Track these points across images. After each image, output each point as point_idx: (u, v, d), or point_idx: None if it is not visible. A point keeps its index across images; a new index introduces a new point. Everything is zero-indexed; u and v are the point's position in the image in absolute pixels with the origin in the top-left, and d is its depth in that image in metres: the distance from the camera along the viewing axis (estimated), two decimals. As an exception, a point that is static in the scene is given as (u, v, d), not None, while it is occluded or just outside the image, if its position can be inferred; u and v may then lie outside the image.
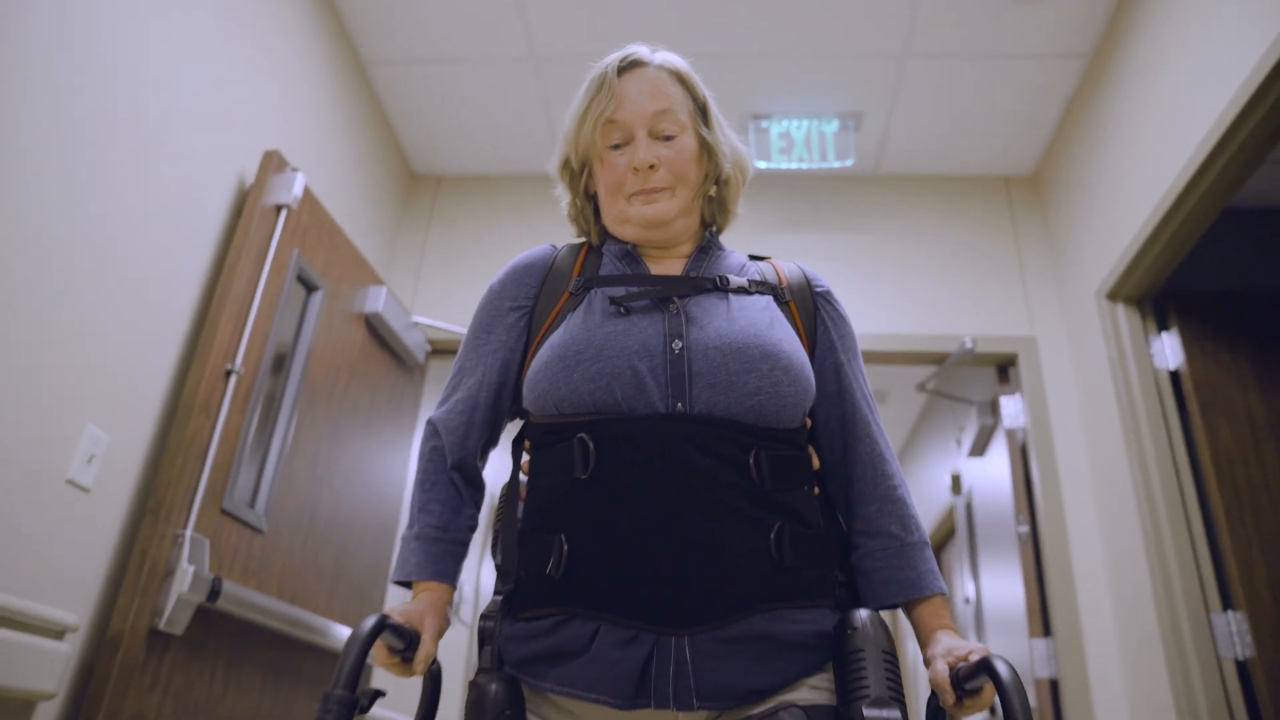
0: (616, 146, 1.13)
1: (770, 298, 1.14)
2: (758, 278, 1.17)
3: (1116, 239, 2.61)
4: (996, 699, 0.87)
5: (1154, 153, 2.39)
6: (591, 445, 0.99)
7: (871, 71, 2.90)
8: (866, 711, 0.88)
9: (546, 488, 1.04)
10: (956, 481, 3.67)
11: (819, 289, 1.17)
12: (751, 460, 1.00)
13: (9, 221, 1.58)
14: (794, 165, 3.05)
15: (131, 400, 1.92)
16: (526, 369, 1.10)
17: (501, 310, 1.14)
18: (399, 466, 2.89)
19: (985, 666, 0.87)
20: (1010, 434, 2.98)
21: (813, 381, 1.08)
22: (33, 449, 1.65)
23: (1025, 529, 2.83)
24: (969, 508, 3.57)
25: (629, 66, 1.15)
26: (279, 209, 2.26)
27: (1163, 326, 2.61)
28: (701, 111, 1.17)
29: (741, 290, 1.12)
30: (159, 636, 1.81)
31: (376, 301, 2.70)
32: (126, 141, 1.87)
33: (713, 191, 1.18)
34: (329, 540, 2.43)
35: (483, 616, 1.03)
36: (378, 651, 0.96)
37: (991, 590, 3.30)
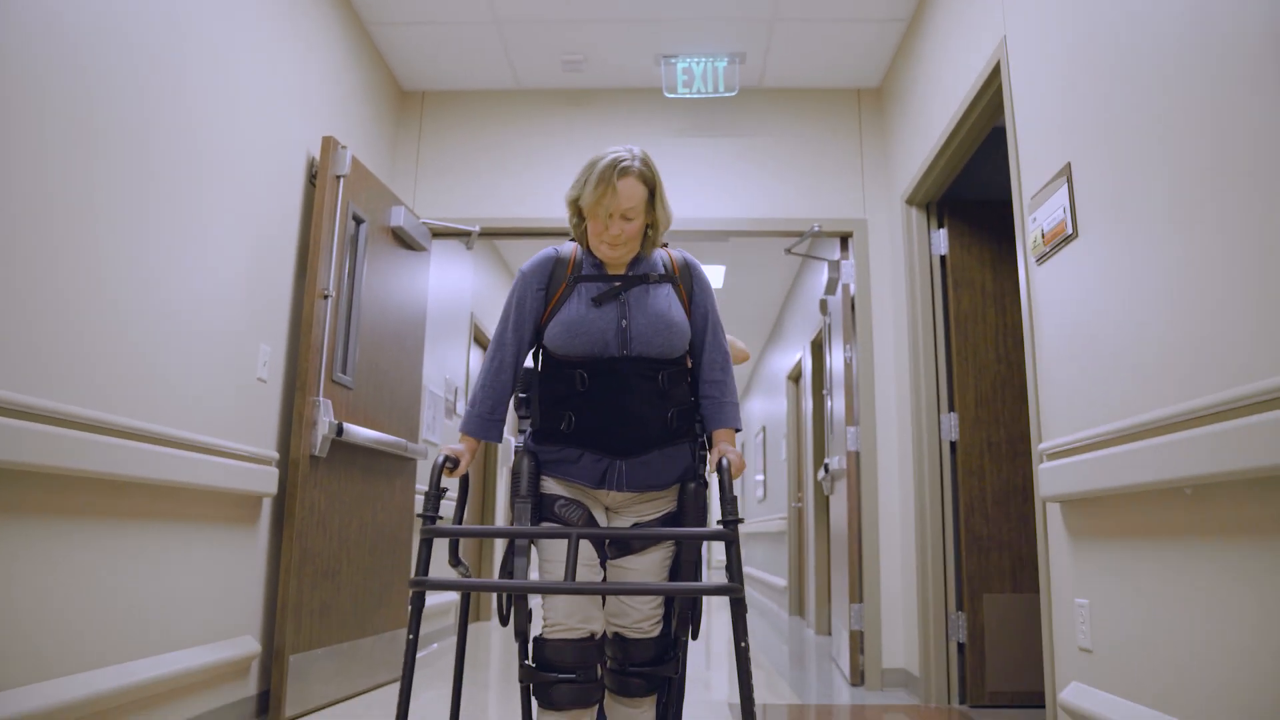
0: (608, 215, 1.97)
1: (670, 285, 2.02)
2: (663, 270, 2.03)
3: (918, 151, 3.77)
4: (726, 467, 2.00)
5: (952, 78, 3.30)
6: (585, 374, 1.94)
7: (752, 22, 3.90)
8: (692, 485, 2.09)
9: (561, 392, 1.96)
10: (823, 305, 5.03)
11: (692, 268, 2.11)
12: (659, 377, 1.96)
13: (192, 204, 2.73)
14: (694, 95, 4.12)
15: (277, 324, 3.14)
16: (545, 320, 1.99)
17: (530, 288, 2.00)
18: (416, 318, 4.13)
19: (720, 459, 2.08)
20: (845, 286, 4.30)
21: (689, 333, 2.05)
22: (239, 362, 2.89)
23: (851, 353, 4.22)
24: (829, 325, 4.95)
25: (622, 174, 1.89)
26: (339, 178, 3.36)
27: (940, 225, 3.85)
28: (652, 193, 1.96)
29: (658, 280, 2.00)
30: (314, 459, 3.15)
31: (399, 217, 3.83)
32: (242, 139, 2.97)
33: (650, 234, 2.08)
34: (384, 384, 3.73)
35: (518, 448, 2.20)
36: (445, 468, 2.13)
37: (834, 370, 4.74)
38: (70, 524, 2.08)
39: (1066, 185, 2.28)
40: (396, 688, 3.64)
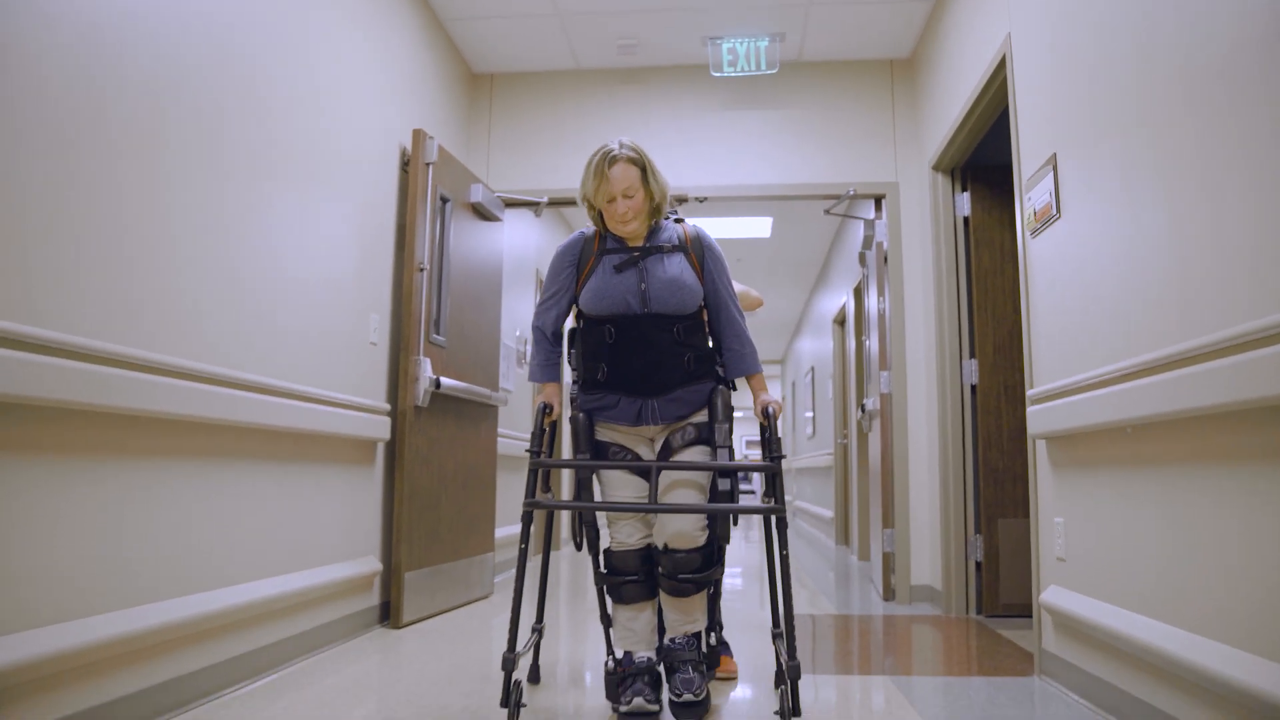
0: (610, 199, 2.42)
1: (681, 253, 2.40)
2: (677, 241, 2.40)
3: (943, 121, 4.15)
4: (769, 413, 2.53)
5: (969, 60, 3.69)
6: (613, 330, 2.37)
7: (790, 6, 4.28)
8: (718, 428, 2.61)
9: (593, 345, 2.41)
10: (862, 258, 5.43)
11: (703, 239, 2.44)
12: (674, 330, 2.34)
13: (312, 198, 3.27)
14: (738, 73, 4.52)
15: (382, 295, 3.70)
16: (579, 290, 2.51)
17: (565, 263, 2.41)
18: (493, 280, 4.65)
19: (764, 404, 2.57)
20: (878, 244, 4.72)
21: (700, 293, 2.37)
22: (355, 331, 3.45)
23: (885, 304, 4.65)
24: (866, 277, 5.36)
25: (611, 163, 2.29)
26: (428, 165, 3.86)
27: (963, 189, 4.24)
28: (644, 171, 2.33)
29: (671, 250, 2.41)
30: (417, 409, 3.72)
31: (477, 194, 4.33)
32: (347, 134, 3.48)
33: (653, 207, 2.53)
34: (470, 341, 4.28)
35: (572, 397, 2.70)
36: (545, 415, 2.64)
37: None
38: (237, 466, 2.66)
39: (1052, 173, 2.69)
40: (485, 603, 4.26)
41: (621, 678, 2.32)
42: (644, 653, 2.36)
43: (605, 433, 2.45)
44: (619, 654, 2.41)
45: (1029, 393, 2.85)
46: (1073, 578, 2.59)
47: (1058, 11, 2.70)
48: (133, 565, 2.15)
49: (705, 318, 2.49)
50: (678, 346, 2.38)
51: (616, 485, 2.41)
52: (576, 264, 2.43)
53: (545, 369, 2.52)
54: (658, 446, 2.44)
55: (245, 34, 2.67)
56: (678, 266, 2.39)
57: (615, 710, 2.31)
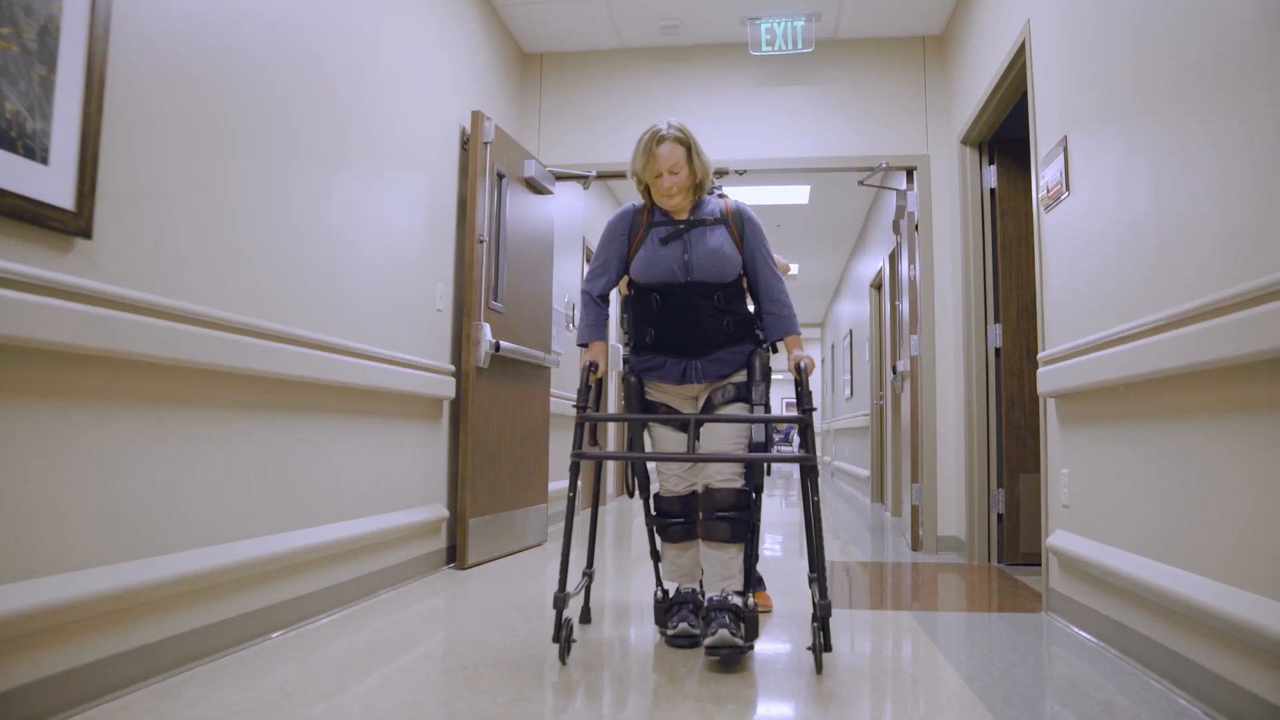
0: (657, 175, 2.74)
1: (723, 226, 2.64)
2: (718, 214, 2.62)
3: (970, 97, 4.35)
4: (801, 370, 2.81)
5: (994, 41, 3.94)
6: (659, 297, 2.78)
7: (825, -10, 4.49)
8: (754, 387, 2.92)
9: (642, 311, 2.79)
10: (895, 226, 5.65)
11: (743, 212, 2.68)
12: (715, 297, 2.70)
13: (384, 178, 3.60)
14: (775, 52, 4.75)
15: (446, 265, 4.03)
16: (630, 260, 2.86)
17: (617, 234, 2.81)
18: (545, 249, 4.96)
19: (797, 361, 2.85)
20: (909, 214, 4.94)
21: (739, 262, 2.71)
22: (424, 299, 3.79)
23: (915, 271, 4.89)
24: (898, 243, 5.58)
25: (659, 142, 2.53)
26: (486, 144, 4.16)
27: (990, 162, 4.44)
28: (689, 150, 2.58)
29: (714, 223, 2.78)
30: (479, 370, 4.06)
31: (530, 169, 4.63)
32: (414, 116, 3.80)
33: (696, 184, 2.84)
34: (524, 307, 4.60)
35: (624, 359, 3.03)
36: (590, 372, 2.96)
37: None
38: (328, 420, 3.02)
39: (1063, 153, 2.92)
40: (539, 550, 4.63)
41: (669, 605, 2.64)
42: (688, 584, 2.69)
43: (654, 393, 2.73)
44: (667, 585, 2.73)
45: (1040, 355, 3.11)
46: (1076, 523, 2.86)
47: (1069, 3, 2.91)
48: (238, 504, 2.52)
49: (745, 285, 2.74)
50: (718, 312, 2.62)
51: (663, 440, 2.71)
52: (628, 235, 2.69)
53: (593, 328, 2.74)
54: (700, 403, 2.70)
55: (324, 30, 2.99)
56: (719, 238, 2.62)
57: (663, 634, 2.64)
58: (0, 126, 1.67)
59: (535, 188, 4.76)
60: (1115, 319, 2.50)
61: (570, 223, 6.44)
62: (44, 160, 1.77)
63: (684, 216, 2.65)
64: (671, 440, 2.69)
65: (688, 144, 2.57)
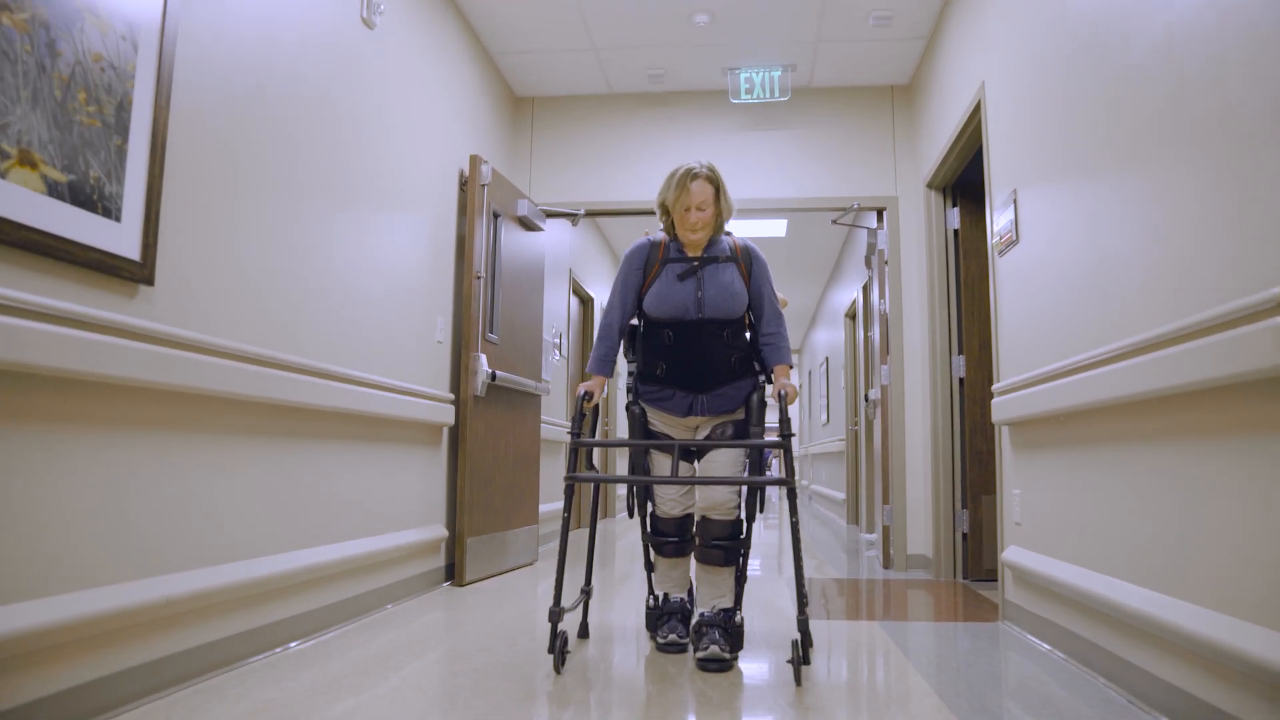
0: (686, 209, 2.96)
1: (734, 264, 2.96)
2: (729, 252, 2.84)
3: (935, 144, 4.68)
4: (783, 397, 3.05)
5: (954, 96, 4.30)
6: (670, 333, 3.05)
7: (800, 43, 4.81)
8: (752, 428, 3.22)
9: (654, 344, 3.04)
10: (867, 261, 5.97)
11: (751, 251, 3.11)
12: (724, 333, 3.02)
13: (389, 218, 3.86)
14: (754, 100, 5.07)
15: (446, 300, 4.29)
16: (643, 294, 3.11)
17: (633, 269, 3.03)
18: (536, 283, 5.24)
19: (780, 391, 3.11)
20: (880, 251, 5.26)
21: (746, 299, 2.98)
22: (425, 331, 4.04)
23: (885, 305, 5.20)
24: (870, 277, 5.90)
25: (693, 178, 2.73)
26: (483, 186, 4.44)
27: (954, 204, 4.77)
28: (717, 190, 2.85)
29: (725, 260, 3.04)
30: (476, 398, 4.31)
31: (523, 208, 4.91)
32: (417, 161, 4.07)
33: (719, 220, 3.16)
34: (517, 338, 4.87)
35: (629, 388, 3.28)
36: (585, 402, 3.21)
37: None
38: (337, 445, 3.26)
39: (1013, 205, 3.24)
40: (530, 569, 4.86)
41: (659, 614, 2.89)
42: (677, 594, 2.94)
43: (656, 423, 2.90)
44: (659, 594, 2.98)
45: (994, 386, 3.41)
46: (1027, 539, 3.15)
47: (1016, 70, 3.24)
48: (256, 524, 2.76)
49: (748, 320, 2.90)
50: (726, 349, 2.81)
51: (661, 466, 2.88)
52: (643, 269, 2.86)
53: (603, 363, 2.88)
54: (701, 434, 2.90)
55: (340, 81, 3.26)
56: (729, 275, 2.81)
57: (653, 639, 2.89)
58: (86, 191, 1.93)
59: (527, 225, 5.04)
60: (1057, 355, 2.80)
61: (558, 255, 6.71)
62: (117, 218, 2.02)
63: (698, 254, 2.84)
64: (669, 466, 2.82)
65: (717, 184, 2.79)
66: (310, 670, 2.52)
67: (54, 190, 1.84)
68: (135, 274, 2.07)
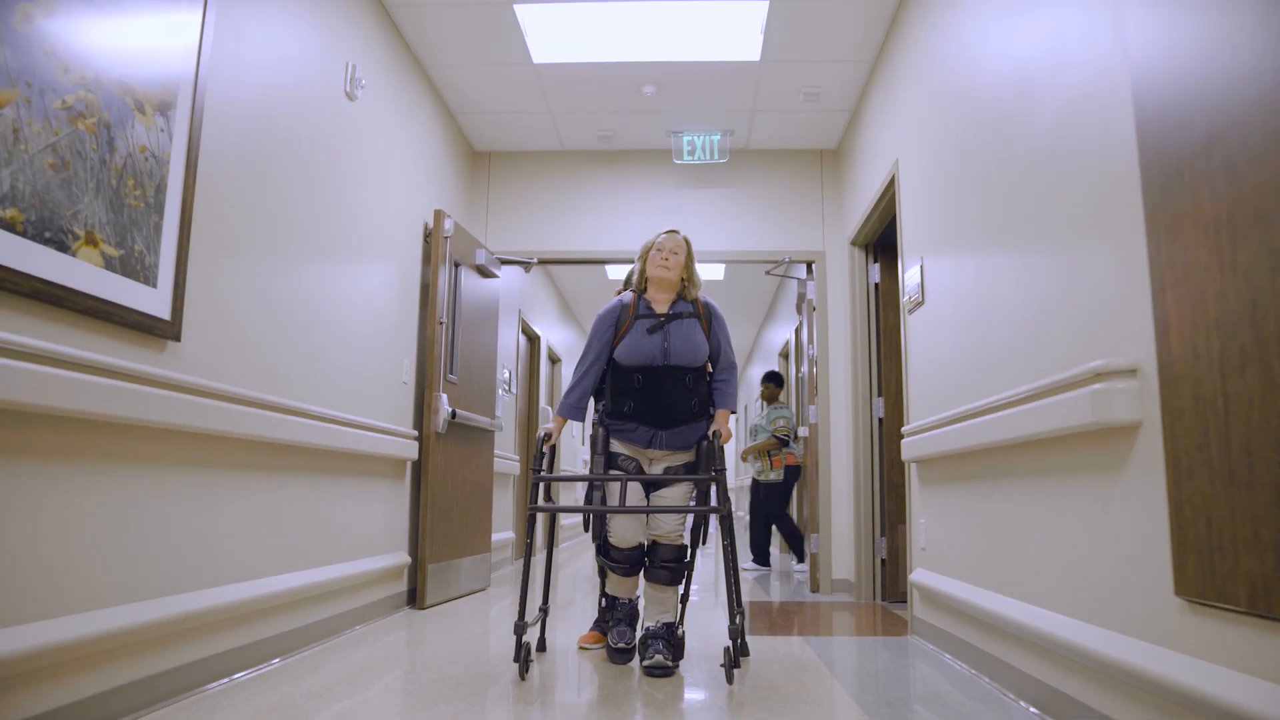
0: (660, 249, 3.44)
1: (695, 319, 3.59)
2: (691, 309, 3.50)
3: (858, 206, 5.20)
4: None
5: (874, 166, 4.89)
6: (640, 377, 3.41)
7: (738, 112, 5.31)
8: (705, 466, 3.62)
9: (624, 387, 3.42)
10: (799, 307, 6.47)
11: (711, 308, 3.59)
12: (686, 379, 3.43)
13: (361, 268, 4.21)
14: (695, 161, 5.55)
15: (411, 343, 4.63)
16: (614, 347, 3.57)
17: (606, 326, 3.47)
18: (491, 326, 5.60)
19: (714, 435, 3.53)
20: (809, 300, 5.76)
21: (707, 351, 3.42)
22: (392, 372, 4.38)
23: (814, 350, 5.69)
24: (801, 322, 6.40)
25: (670, 234, 3.25)
26: (446, 239, 4.82)
27: (875, 260, 5.29)
28: (689, 251, 3.24)
29: (689, 316, 3.57)
30: (437, 434, 4.65)
31: (481, 257, 5.29)
32: (386, 215, 4.43)
33: (683, 286, 3.61)
34: (473, 378, 5.22)
35: (597, 420, 3.63)
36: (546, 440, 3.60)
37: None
38: (307, 478, 3.58)
39: (920, 271, 3.73)
40: (483, 594, 5.18)
41: (610, 615, 3.26)
42: (626, 598, 3.31)
43: (617, 445, 3.27)
44: (610, 594, 3.34)
45: (903, 429, 3.88)
46: (930, 562, 3.61)
47: (924, 151, 3.75)
48: (226, 552, 3.07)
49: (708, 368, 3.32)
50: (687, 392, 3.21)
51: (616, 495, 3.25)
52: (615, 325, 3.27)
53: (575, 409, 3.26)
54: (656, 469, 3.28)
55: (326, 145, 3.63)
56: (691, 329, 3.23)
57: (602, 635, 3.26)
58: (132, 263, 2.27)
59: (484, 273, 5.42)
60: (952, 403, 3.28)
61: (509, 297, 7.09)
62: (154, 284, 2.36)
63: (664, 310, 3.25)
64: (631, 490, 3.17)
65: (688, 249, 3.30)
66: (300, 680, 2.84)
67: (110, 264, 2.18)
68: (166, 331, 2.41)
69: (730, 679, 2.84)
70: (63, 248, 2.01)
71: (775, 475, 7.08)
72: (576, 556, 8.10)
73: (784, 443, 7.03)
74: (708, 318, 3.30)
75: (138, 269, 2.29)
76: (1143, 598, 1.94)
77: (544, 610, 3.39)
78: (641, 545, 3.23)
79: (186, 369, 2.53)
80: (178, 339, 2.47)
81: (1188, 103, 1.73)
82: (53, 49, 1.97)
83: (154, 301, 2.36)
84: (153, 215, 2.35)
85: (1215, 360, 1.63)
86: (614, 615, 3.30)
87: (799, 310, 6.23)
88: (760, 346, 11.74)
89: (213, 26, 2.65)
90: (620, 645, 3.20)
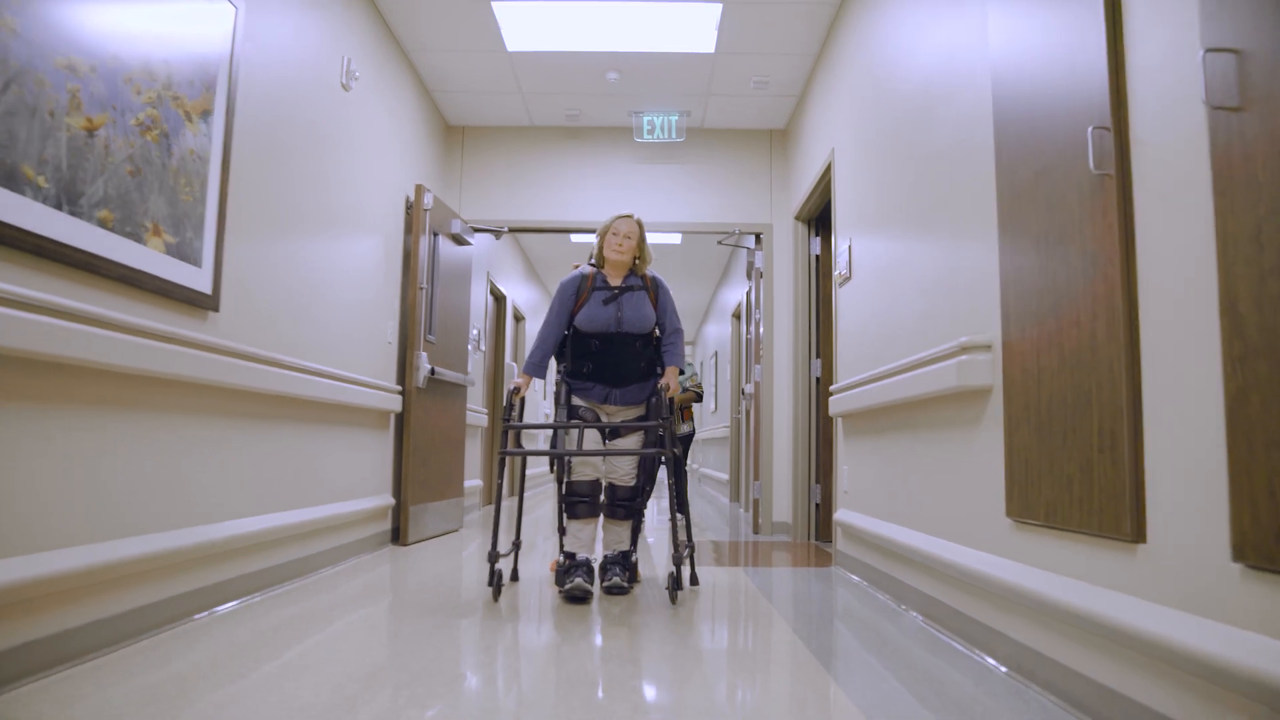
0: (615, 234, 4.01)
1: (644, 292, 4.15)
2: (640, 284, 4.20)
3: (801, 184, 5.72)
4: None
5: (814, 151, 5.41)
6: (597, 342, 3.95)
7: (694, 95, 5.78)
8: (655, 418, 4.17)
9: (580, 350, 3.95)
10: (748, 273, 7.01)
11: (658, 281, 4.15)
12: (637, 344, 3.99)
13: (352, 238, 4.67)
14: (655, 139, 6.03)
15: (394, 307, 5.10)
16: (574, 315, 4.10)
17: (568, 294, 3.97)
18: (464, 290, 6.06)
19: (665, 384, 4.06)
20: (757, 269, 6.30)
21: (654, 319, 3.97)
22: (378, 333, 4.85)
23: (760, 314, 6.25)
24: (750, 288, 6.94)
25: (625, 218, 3.80)
26: (426, 211, 5.26)
27: (816, 234, 5.83)
28: (641, 234, 3.86)
29: (639, 289, 4.13)
30: (418, 389, 5.14)
31: (456, 227, 5.74)
32: (374, 188, 4.88)
33: (637, 262, 4.14)
34: (449, 337, 5.70)
35: (559, 379, 4.18)
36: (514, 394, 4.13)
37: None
38: (307, 427, 4.07)
39: (848, 251, 4.28)
40: (457, 534, 5.73)
41: (567, 568, 3.80)
42: (584, 554, 3.85)
43: (578, 399, 3.80)
44: (568, 552, 3.89)
45: (831, 387, 4.46)
46: (851, 502, 4.21)
47: (855, 142, 4.28)
48: (243, 489, 3.57)
49: (656, 334, 3.85)
50: (637, 355, 3.70)
51: (583, 436, 3.81)
52: (575, 295, 3.72)
53: (539, 367, 3.71)
54: (612, 421, 3.79)
55: (325, 128, 4.06)
56: (641, 300, 3.72)
57: (560, 592, 3.80)
58: (183, 248, 2.73)
59: (459, 241, 5.87)
60: (868, 366, 3.85)
61: (479, 259, 7.54)
62: (198, 264, 2.82)
63: (618, 283, 3.74)
64: (589, 436, 3.73)
65: (641, 231, 3.76)
66: (293, 607, 3.36)
67: (169, 250, 2.64)
68: (207, 304, 2.88)
69: (674, 599, 3.40)
70: (138, 239, 2.47)
71: (689, 427, 7.52)
72: (540, 505, 8.68)
73: (699, 397, 7.52)
74: (655, 290, 3.80)
75: (188, 252, 2.75)
76: (987, 521, 2.53)
77: (516, 544, 3.90)
78: (598, 481, 3.74)
79: (224, 335, 3.00)
80: (217, 310, 2.93)
81: (1025, 146, 2.28)
82: (131, 75, 2.41)
83: (199, 279, 2.82)
84: (198, 206, 2.81)
85: (1032, 341, 2.20)
86: (573, 566, 3.80)
87: (748, 276, 6.78)
88: (715, 307, 12.30)
89: (242, 36, 3.08)
90: (577, 582, 3.66)
